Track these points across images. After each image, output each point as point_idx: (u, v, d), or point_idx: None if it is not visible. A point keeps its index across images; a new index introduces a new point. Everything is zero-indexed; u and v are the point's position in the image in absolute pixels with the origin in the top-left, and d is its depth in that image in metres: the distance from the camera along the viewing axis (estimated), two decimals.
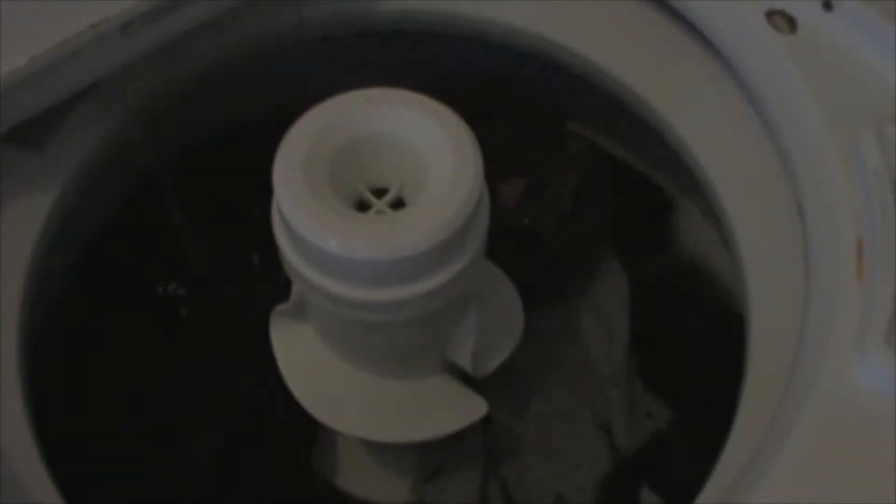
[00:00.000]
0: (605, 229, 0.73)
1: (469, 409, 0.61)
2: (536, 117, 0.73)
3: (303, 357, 0.60)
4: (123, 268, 0.73)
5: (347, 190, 0.53)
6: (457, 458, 0.69)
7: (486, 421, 0.71)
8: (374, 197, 0.53)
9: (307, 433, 0.69)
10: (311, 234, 0.49)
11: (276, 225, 0.52)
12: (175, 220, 0.72)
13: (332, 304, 0.52)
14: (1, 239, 0.60)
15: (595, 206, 0.72)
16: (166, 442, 0.68)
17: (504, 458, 0.70)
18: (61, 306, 0.69)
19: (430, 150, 0.52)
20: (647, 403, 0.72)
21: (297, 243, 0.51)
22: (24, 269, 0.61)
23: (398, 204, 0.53)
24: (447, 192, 0.50)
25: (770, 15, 0.61)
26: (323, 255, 0.50)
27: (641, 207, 0.78)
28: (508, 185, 0.70)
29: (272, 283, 0.62)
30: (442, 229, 0.49)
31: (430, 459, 0.70)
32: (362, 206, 0.53)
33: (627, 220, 0.76)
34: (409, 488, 0.69)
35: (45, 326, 0.68)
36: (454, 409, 0.61)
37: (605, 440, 0.70)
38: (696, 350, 0.72)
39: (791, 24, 0.61)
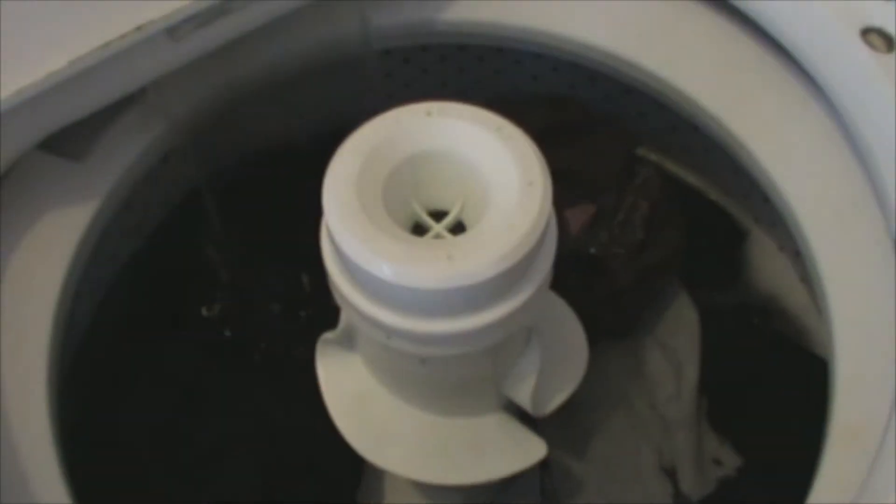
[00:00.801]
0: (675, 261, 0.68)
1: (527, 451, 0.57)
2: (606, 139, 0.68)
3: (350, 388, 0.56)
4: (163, 284, 0.69)
5: (403, 211, 0.49)
6: (510, 498, 0.64)
7: (544, 461, 0.66)
8: (433, 220, 0.49)
9: (353, 469, 0.64)
10: (362, 258, 0.45)
11: (324, 247, 0.48)
12: (219, 237, 0.68)
13: (383, 334, 0.48)
14: (38, 250, 0.57)
15: (666, 237, 0.67)
16: (201, 474, 0.64)
17: (561, 501, 0.65)
18: (97, 322, 0.65)
19: (493, 169, 0.48)
20: (716, 449, 0.67)
21: (346, 267, 0.47)
22: (59, 282, 0.58)
23: (458, 228, 0.49)
24: (512, 216, 0.45)
25: (865, 33, 0.56)
26: (374, 281, 0.45)
27: (713, 238, 0.73)
28: (575, 211, 0.66)
29: (321, 307, 0.57)
30: (506, 258, 0.45)
31: (482, 500, 0.65)
32: (419, 230, 0.49)
33: (699, 252, 0.71)
34: None
35: (78, 342, 0.64)
36: (510, 451, 0.57)
37: (669, 486, 0.65)
38: (770, 393, 0.67)
39: (888, 42, 0.56)
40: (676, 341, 0.68)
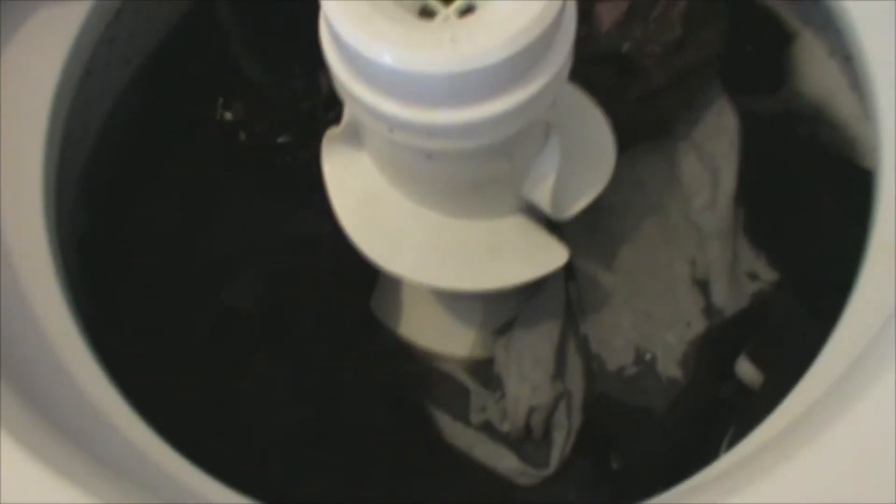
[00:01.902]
0: (716, 62, 0.63)
1: (546, 256, 0.54)
2: None
3: (358, 189, 0.53)
4: (177, 89, 0.66)
5: None
6: (533, 310, 0.62)
7: (569, 271, 0.63)
8: (442, 4, 0.44)
9: (367, 275, 0.62)
10: (359, 41, 0.41)
11: (323, 34, 0.44)
12: (237, 38, 0.64)
13: (386, 127, 0.44)
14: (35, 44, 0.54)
15: (705, 36, 0.62)
16: (209, 281, 0.62)
17: (587, 313, 0.62)
18: (108, 130, 0.63)
19: None
20: (752, 262, 0.63)
21: (345, 55, 0.43)
22: (55, 83, 0.54)
23: (468, 12, 0.44)
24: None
25: None
26: (373, 67, 0.42)
27: (758, 40, 0.67)
28: (607, 6, 0.61)
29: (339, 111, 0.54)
30: (513, 41, 0.41)
31: (502, 310, 0.63)
32: (427, 13, 0.45)
33: (742, 54, 0.66)
34: (479, 341, 0.62)
35: (88, 152, 0.62)
36: (529, 256, 0.54)
37: (701, 299, 0.62)
38: (811, 206, 0.63)
39: None
40: (714, 146, 0.64)
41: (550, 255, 0.54)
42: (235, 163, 0.66)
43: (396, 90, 0.43)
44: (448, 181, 0.50)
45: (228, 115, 0.66)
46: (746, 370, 0.59)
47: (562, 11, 0.43)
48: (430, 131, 0.44)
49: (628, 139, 0.62)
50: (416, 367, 0.63)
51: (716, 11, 0.62)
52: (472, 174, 0.50)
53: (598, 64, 0.61)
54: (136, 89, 0.66)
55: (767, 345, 0.59)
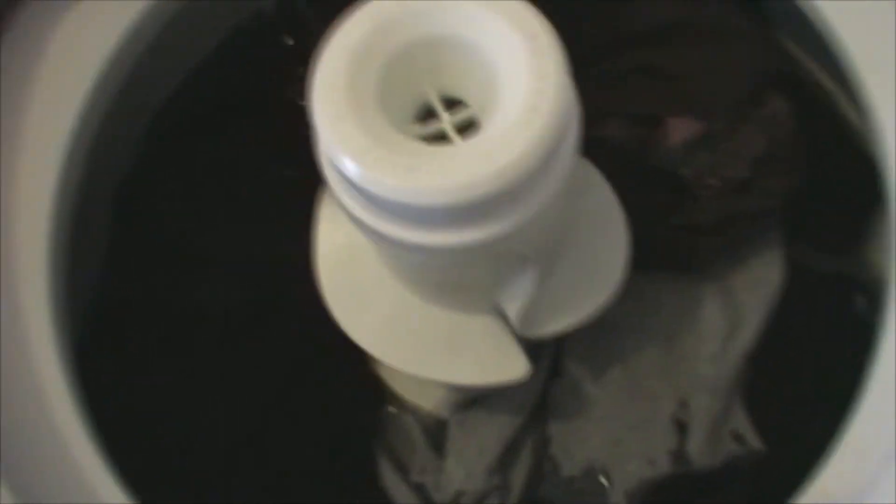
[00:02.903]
0: (775, 212, 0.59)
1: (505, 366, 0.53)
2: (739, 50, 0.58)
3: (340, 245, 0.52)
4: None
5: (411, 94, 0.43)
6: (499, 396, 0.61)
7: (557, 368, 0.61)
8: (445, 109, 0.43)
9: None
10: (329, 144, 0.40)
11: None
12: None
13: (366, 233, 0.44)
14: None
15: (775, 185, 0.58)
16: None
17: (560, 416, 0.61)
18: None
19: (508, 72, 0.41)
20: (742, 424, 0.60)
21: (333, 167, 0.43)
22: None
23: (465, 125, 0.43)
24: (501, 142, 0.39)
25: None
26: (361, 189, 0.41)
27: (843, 191, 0.62)
28: (680, 122, 0.57)
29: None
30: (470, 187, 0.39)
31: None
32: (426, 114, 0.44)
33: (818, 200, 0.61)
34: (445, 401, 0.61)
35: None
36: (487, 361, 0.53)
37: (675, 443, 0.59)
38: (831, 392, 0.58)
39: None
40: (746, 297, 0.60)
41: (509, 367, 0.53)
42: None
43: (376, 205, 0.42)
44: (420, 270, 0.49)
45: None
46: None
47: (560, 140, 0.41)
48: (394, 242, 0.43)
49: (655, 264, 0.59)
50: (377, 404, 0.63)
51: (794, 160, 0.58)
52: (442, 273, 0.49)
53: (651, 177, 0.58)
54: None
55: None
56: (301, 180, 0.52)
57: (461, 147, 0.41)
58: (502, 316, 0.52)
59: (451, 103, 0.44)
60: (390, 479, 0.62)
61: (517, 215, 0.42)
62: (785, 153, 0.58)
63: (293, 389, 0.61)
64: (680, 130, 0.57)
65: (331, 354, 0.58)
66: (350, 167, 0.40)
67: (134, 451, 0.51)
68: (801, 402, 0.59)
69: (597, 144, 0.56)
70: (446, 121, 0.43)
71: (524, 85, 0.40)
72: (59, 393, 0.52)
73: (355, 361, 0.63)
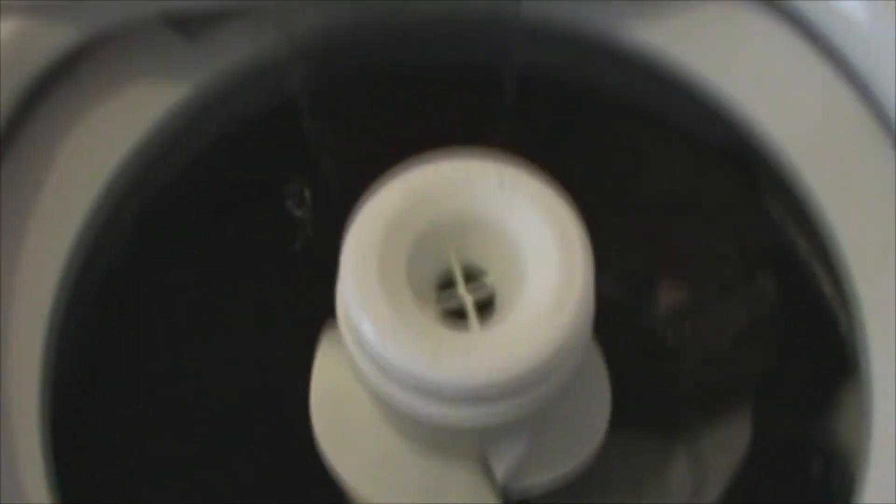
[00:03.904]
0: (748, 387, 0.61)
1: None
2: (741, 222, 0.60)
3: (337, 386, 0.53)
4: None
5: (436, 261, 0.44)
6: None
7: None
8: (467, 280, 0.45)
9: None
10: (353, 316, 0.42)
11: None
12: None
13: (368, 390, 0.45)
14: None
15: (751, 360, 0.60)
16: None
17: None
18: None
19: (532, 254, 0.43)
20: None
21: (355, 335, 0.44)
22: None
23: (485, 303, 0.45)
24: (519, 341, 0.41)
25: None
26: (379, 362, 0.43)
27: (818, 362, 0.64)
28: (669, 289, 0.59)
29: None
30: (512, 374, 0.41)
31: None
32: (445, 283, 0.45)
33: (791, 371, 0.63)
34: None
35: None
36: None
37: None
38: None
39: None
40: (713, 461, 0.62)
41: None
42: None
43: (387, 372, 0.43)
44: (410, 430, 0.50)
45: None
46: None
47: (577, 334, 0.43)
48: (397, 406, 0.44)
49: (630, 422, 0.61)
50: None
51: (774, 336, 0.61)
52: (432, 438, 0.50)
53: (634, 338, 0.60)
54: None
55: None
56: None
57: (482, 336, 0.42)
58: (485, 468, 0.54)
59: (474, 276, 0.46)
60: None
61: (527, 403, 0.43)
62: (766, 329, 0.60)
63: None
64: (668, 296, 0.60)
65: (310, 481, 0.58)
66: (376, 342, 0.41)
67: None
68: None
69: None
70: (467, 301, 0.44)
71: (550, 280, 0.42)
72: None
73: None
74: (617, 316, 0.60)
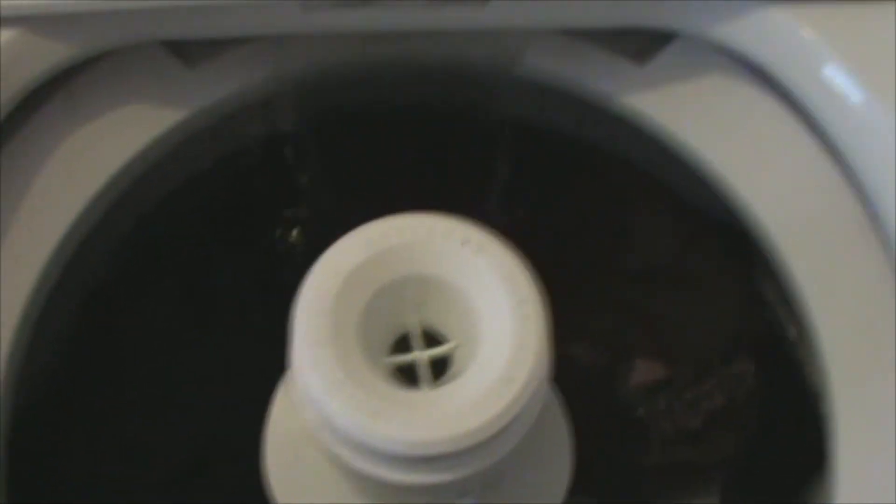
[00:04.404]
0: (719, 470, 0.60)
1: None
2: (726, 307, 0.60)
3: (293, 431, 0.52)
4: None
5: (395, 321, 0.44)
6: None
7: None
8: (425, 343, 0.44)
9: None
10: (318, 398, 0.41)
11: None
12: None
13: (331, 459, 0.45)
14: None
15: (725, 440, 0.59)
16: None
17: None
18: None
19: (489, 320, 0.42)
20: None
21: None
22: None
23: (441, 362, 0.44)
24: (486, 393, 0.40)
25: None
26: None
27: (792, 450, 0.63)
28: (646, 365, 0.58)
29: None
30: (451, 442, 0.40)
31: None
32: (401, 343, 0.44)
33: (763, 458, 0.62)
34: None
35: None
36: None
37: None
38: None
39: None
40: None
41: None
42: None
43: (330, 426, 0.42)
44: (359, 483, 0.50)
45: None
46: None
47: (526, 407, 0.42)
48: (347, 465, 0.43)
49: (594, 493, 0.60)
50: None
51: (748, 419, 0.60)
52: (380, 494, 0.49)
53: (606, 410, 0.59)
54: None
55: None
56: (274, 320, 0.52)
57: (429, 398, 0.41)
58: None
59: (433, 338, 0.45)
60: None
61: (469, 467, 0.42)
62: (740, 412, 0.59)
63: None
64: (644, 372, 0.59)
65: None
66: (319, 395, 0.40)
67: None
68: None
69: (560, 363, 0.58)
70: (421, 360, 0.43)
71: (504, 349, 0.41)
72: None
73: None
74: (591, 384, 0.60)
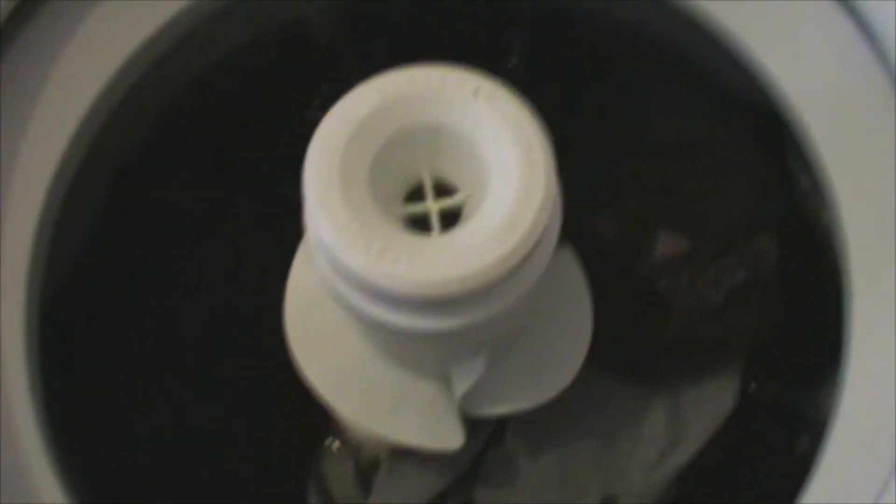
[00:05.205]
0: (736, 348, 0.60)
1: (440, 436, 0.55)
2: (748, 181, 0.59)
3: (311, 287, 0.53)
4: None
5: (407, 172, 0.45)
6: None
7: (496, 439, 0.63)
8: (436, 194, 0.45)
9: None
10: (327, 240, 0.42)
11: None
12: None
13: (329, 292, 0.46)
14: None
15: (742, 321, 0.59)
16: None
17: (489, 484, 0.62)
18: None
19: (496, 166, 0.43)
20: None
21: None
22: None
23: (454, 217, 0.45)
24: (492, 234, 0.41)
25: None
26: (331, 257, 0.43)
27: (814, 333, 0.63)
28: (671, 238, 0.58)
29: None
30: (459, 281, 0.41)
31: None
32: (414, 194, 0.45)
33: (786, 339, 0.62)
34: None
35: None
36: (423, 426, 0.55)
37: None
38: None
39: None
40: (692, 416, 0.62)
41: (444, 436, 0.54)
42: None
43: (341, 273, 0.43)
44: (375, 336, 0.51)
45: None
46: None
47: (538, 245, 0.43)
48: (359, 313, 0.44)
49: (613, 366, 0.61)
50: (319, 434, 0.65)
51: (770, 299, 0.60)
52: (404, 348, 0.50)
53: (628, 282, 0.59)
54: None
55: None
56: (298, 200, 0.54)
57: (436, 241, 0.42)
58: (450, 383, 0.54)
59: (445, 189, 0.46)
60: None
61: (475, 315, 0.43)
62: (763, 290, 0.59)
63: (243, 405, 0.63)
64: (667, 245, 0.59)
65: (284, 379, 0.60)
66: (326, 236, 0.41)
67: (80, 446, 0.53)
68: None
69: (583, 236, 0.58)
70: (431, 206, 0.44)
71: (510, 195, 0.42)
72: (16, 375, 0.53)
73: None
74: (613, 257, 0.60)
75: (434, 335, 0.44)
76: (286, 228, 0.56)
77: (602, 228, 0.59)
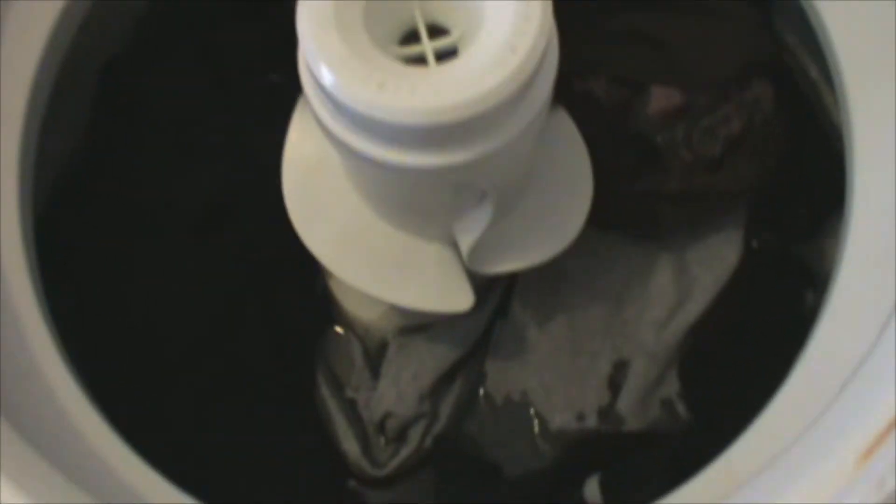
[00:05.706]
0: (739, 197, 0.60)
1: (449, 297, 0.54)
2: (737, 29, 0.59)
3: (309, 155, 0.53)
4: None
5: (400, 15, 0.44)
6: (442, 327, 0.62)
7: (504, 307, 0.63)
8: (429, 35, 0.44)
9: None
10: (326, 78, 0.41)
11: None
12: None
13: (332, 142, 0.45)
14: None
15: (742, 169, 0.59)
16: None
17: (499, 356, 0.62)
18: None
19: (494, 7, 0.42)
20: (673, 394, 0.61)
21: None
22: None
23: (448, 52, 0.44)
24: (491, 61, 0.41)
25: None
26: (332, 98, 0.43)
27: (815, 184, 0.63)
28: (663, 92, 0.58)
29: None
30: (459, 107, 0.40)
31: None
32: (411, 37, 0.44)
33: (787, 191, 0.62)
34: (388, 315, 0.62)
35: None
36: (432, 289, 0.55)
37: (607, 400, 0.61)
38: (761, 376, 0.60)
39: None
40: (699, 272, 0.62)
41: (453, 298, 0.54)
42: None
43: (344, 114, 0.43)
44: (379, 189, 0.51)
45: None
46: (592, 492, 0.59)
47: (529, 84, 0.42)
48: (361, 156, 0.44)
49: (616, 225, 0.61)
50: (325, 320, 0.65)
51: (768, 146, 0.59)
52: (403, 190, 0.50)
53: (625, 140, 0.59)
54: None
55: (620, 478, 0.59)
56: (286, 85, 0.53)
57: (434, 71, 0.42)
58: (455, 247, 0.54)
59: (439, 31, 0.45)
60: (325, 392, 0.64)
61: (479, 147, 0.43)
62: (760, 138, 0.59)
63: (248, 293, 0.63)
64: (661, 99, 0.58)
65: (288, 265, 0.59)
66: (325, 74, 0.41)
67: (86, 334, 0.52)
68: (734, 381, 0.61)
69: (578, 98, 0.58)
70: (427, 44, 0.44)
71: (506, 23, 0.41)
72: (17, 266, 0.52)
73: (312, 274, 0.65)
74: (608, 116, 0.60)
75: (438, 172, 0.43)
76: (275, 112, 0.56)
77: (594, 87, 0.59)
